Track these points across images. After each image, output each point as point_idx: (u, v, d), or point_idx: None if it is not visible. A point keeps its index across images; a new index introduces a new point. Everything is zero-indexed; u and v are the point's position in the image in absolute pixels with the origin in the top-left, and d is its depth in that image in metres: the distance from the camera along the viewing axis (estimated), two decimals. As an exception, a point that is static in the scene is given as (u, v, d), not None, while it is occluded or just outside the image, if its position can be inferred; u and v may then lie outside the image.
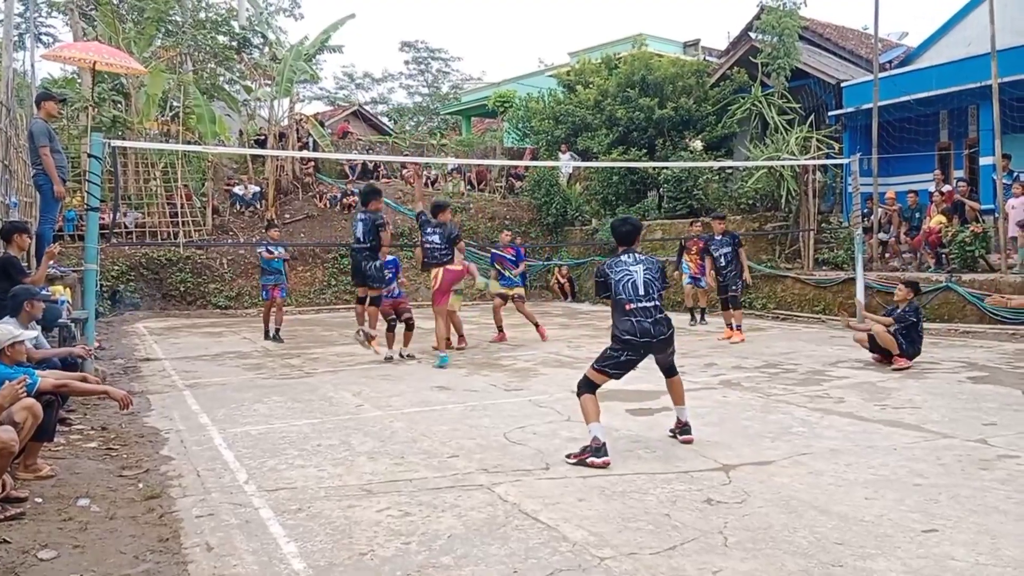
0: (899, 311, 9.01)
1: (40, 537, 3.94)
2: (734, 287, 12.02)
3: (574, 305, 19.83)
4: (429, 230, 9.87)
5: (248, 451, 5.69)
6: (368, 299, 9.97)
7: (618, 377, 5.61)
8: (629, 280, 5.53)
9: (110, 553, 3.80)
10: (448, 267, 9.82)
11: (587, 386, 5.52)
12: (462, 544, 3.82)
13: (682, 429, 5.78)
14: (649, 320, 5.46)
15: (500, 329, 12.30)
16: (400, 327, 10.65)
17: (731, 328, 11.96)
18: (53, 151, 8.94)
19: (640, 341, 5.44)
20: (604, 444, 5.19)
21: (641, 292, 5.50)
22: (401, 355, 10.37)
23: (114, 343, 12.54)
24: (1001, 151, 13.24)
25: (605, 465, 5.09)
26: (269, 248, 12.64)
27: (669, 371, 5.82)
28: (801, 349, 10.66)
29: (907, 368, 8.60)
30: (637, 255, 5.69)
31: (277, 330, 12.57)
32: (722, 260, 12.07)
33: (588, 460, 5.15)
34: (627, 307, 5.47)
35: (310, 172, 23.63)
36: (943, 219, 14.12)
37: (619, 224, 5.90)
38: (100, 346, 11.01)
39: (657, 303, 5.54)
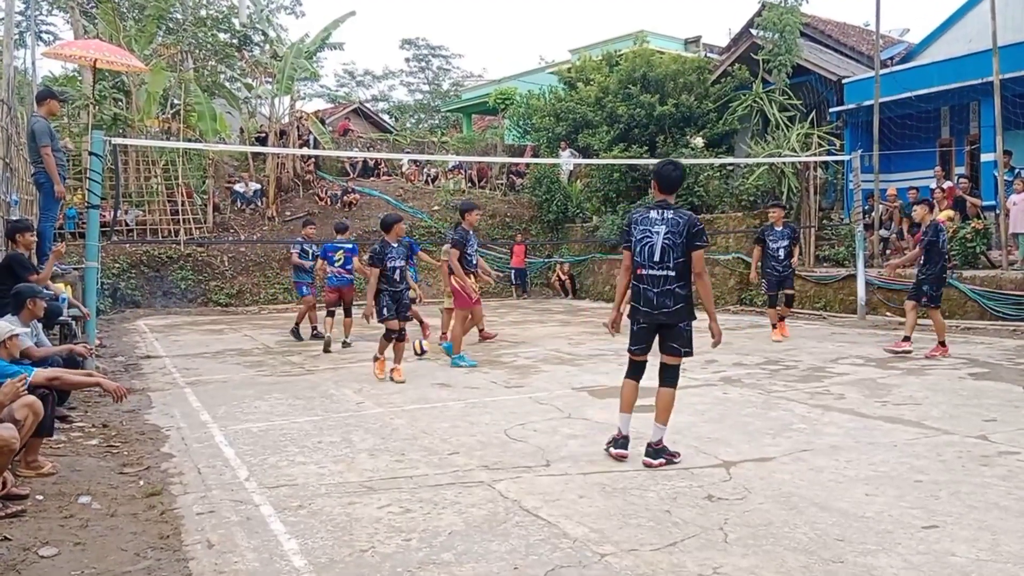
0: (922, 229, 9.50)
1: (41, 534, 3.94)
2: (790, 286, 11.51)
3: (575, 302, 19.83)
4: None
5: (249, 448, 5.69)
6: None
7: (640, 352, 5.23)
8: (647, 243, 5.08)
9: (111, 550, 3.80)
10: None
11: (627, 369, 5.35)
12: (463, 541, 3.82)
13: (648, 450, 5.11)
14: (654, 290, 5.06)
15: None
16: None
17: (782, 323, 11.39)
18: (53, 150, 8.95)
19: (642, 310, 5.13)
20: (625, 437, 5.18)
21: (656, 258, 5.05)
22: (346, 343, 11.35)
23: (115, 341, 12.54)
24: (1003, 147, 13.22)
25: (620, 458, 5.09)
26: (304, 248, 12.54)
27: (665, 375, 5.18)
28: (802, 346, 10.65)
29: (941, 355, 9.25)
30: (666, 212, 5.09)
31: (313, 327, 12.62)
32: (780, 253, 11.13)
33: (607, 449, 5.26)
34: (638, 271, 5.14)
35: (311, 170, 23.63)
36: (950, 214, 14.09)
37: (669, 168, 5.26)
38: (101, 344, 11.02)
39: (670, 273, 5.04)
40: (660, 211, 5.13)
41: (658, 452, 5.11)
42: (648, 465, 5.06)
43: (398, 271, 8.51)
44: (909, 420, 6.17)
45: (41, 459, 4.94)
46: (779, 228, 11.21)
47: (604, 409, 6.85)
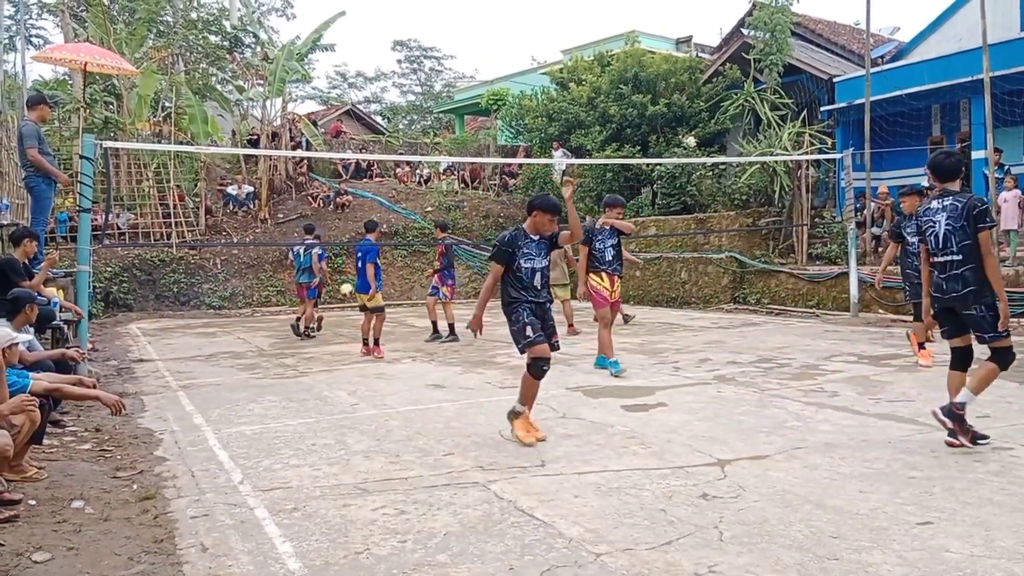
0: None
1: (34, 539, 3.92)
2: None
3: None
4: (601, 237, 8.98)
5: (243, 451, 5.67)
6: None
7: (947, 336, 5.39)
8: (932, 232, 5.27)
9: (105, 555, 3.78)
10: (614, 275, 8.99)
11: (952, 359, 5.44)
12: (458, 542, 3.82)
13: (945, 407, 5.26)
14: (942, 276, 5.22)
15: (365, 343, 10.86)
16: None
17: (923, 347, 8.88)
18: (43, 153, 8.93)
19: (933, 295, 5.33)
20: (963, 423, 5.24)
21: (940, 244, 5.22)
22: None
23: (107, 344, 12.50)
24: (993, 145, 13.27)
25: (949, 444, 5.19)
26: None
27: (990, 358, 5.18)
28: (795, 343, 10.68)
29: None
30: (945, 200, 5.22)
31: (308, 327, 12.97)
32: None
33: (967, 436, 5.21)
34: (931, 260, 5.34)
35: (303, 172, 23.60)
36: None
37: (941, 158, 5.40)
38: (93, 348, 10.98)
39: (955, 257, 5.14)
40: (940, 200, 5.29)
41: (952, 415, 5.23)
42: (940, 421, 5.27)
43: (539, 275, 5.83)
44: (903, 417, 6.19)
45: (26, 464, 4.91)
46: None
47: (598, 408, 6.85)
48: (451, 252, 12.65)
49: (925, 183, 15.31)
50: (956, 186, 5.33)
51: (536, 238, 5.83)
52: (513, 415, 5.81)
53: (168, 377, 9.22)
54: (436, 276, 12.31)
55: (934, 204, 5.30)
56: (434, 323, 12.20)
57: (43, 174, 9.11)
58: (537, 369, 5.66)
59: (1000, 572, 3.31)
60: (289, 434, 6.18)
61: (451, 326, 12.03)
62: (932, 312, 5.44)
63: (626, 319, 13.46)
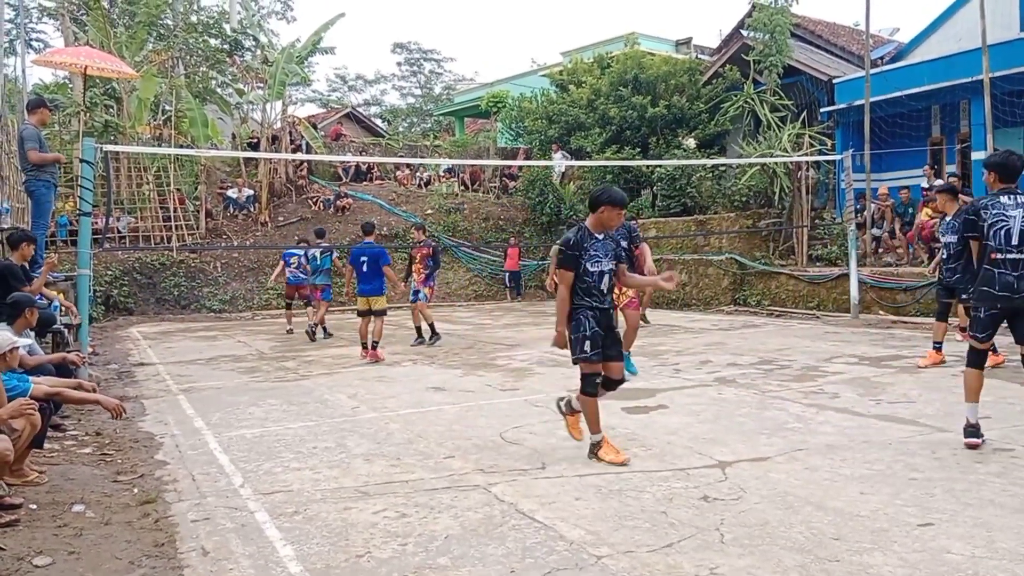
0: (949, 220, 8.19)
1: (35, 544, 3.92)
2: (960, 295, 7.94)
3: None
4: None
5: (243, 455, 5.67)
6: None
7: (986, 339, 5.29)
8: (1003, 227, 5.17)
9: (105, 559, 3.78)
10: None
11: (970, 357, 5.36)
12: (459, 545, 3.81)
13: None
14: (1014, 275, 5.13)
15: (365, 347, 10.65)
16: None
17: (938, 350, 8.59)
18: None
19: (998, 294, 5.16)
20: (974, 426, 5.22)
21: (1014, 242, 5.14)
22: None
23: (108, 348, 12.50)
24: (993, 145, 13.27)
25: (970, 447, 5.15)
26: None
27: None
28: (795, 345, 10.67)
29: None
30: (1019, 197, 5.21)
31: (313, 327, 13.12)
32: (945, 252, 8.48)
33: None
34: (992, 256, 5.19)
35: (303, 175, 23.61)
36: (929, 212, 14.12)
37: (1015, 159, 5.37)
38: (94, 351, 10.98)
39: None
40: (1011, 196, 5.24)
41: (975, 432, 5.24)
42: (976, 443, 5.18)
43: (606, 278, 5.24)
44: (903, 418, 6.18)
45: (26, 468, 4.91)
46: (949, 218, 8.41)
47: (599, 410, 6.83)
48: (437, 255, 12.40)
49: (924, 184, 15.38)
50: (1014, 186, 5.34)
51: (601, 237, 5.22)
52: (569, 411, 5.54)
53: (168, 381, 9.22)
54: (420, 280, 12.09)
55: (1004, 200, 5.22)
56: (418, 328, 12.16)
57: (44, 179, 9.13)
58: (589, 385, 5.22)
59: (1002, 573, 3.31)
60: (290, 437, 6.18)
61: (432, 326, 11.99)
62: (992, 312, 5.24)
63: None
